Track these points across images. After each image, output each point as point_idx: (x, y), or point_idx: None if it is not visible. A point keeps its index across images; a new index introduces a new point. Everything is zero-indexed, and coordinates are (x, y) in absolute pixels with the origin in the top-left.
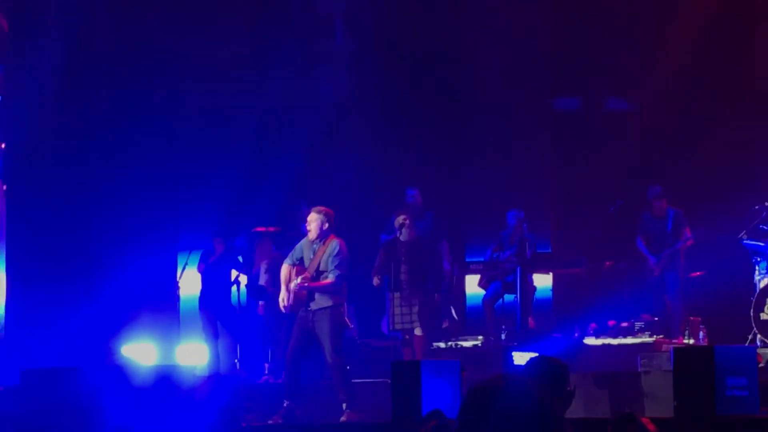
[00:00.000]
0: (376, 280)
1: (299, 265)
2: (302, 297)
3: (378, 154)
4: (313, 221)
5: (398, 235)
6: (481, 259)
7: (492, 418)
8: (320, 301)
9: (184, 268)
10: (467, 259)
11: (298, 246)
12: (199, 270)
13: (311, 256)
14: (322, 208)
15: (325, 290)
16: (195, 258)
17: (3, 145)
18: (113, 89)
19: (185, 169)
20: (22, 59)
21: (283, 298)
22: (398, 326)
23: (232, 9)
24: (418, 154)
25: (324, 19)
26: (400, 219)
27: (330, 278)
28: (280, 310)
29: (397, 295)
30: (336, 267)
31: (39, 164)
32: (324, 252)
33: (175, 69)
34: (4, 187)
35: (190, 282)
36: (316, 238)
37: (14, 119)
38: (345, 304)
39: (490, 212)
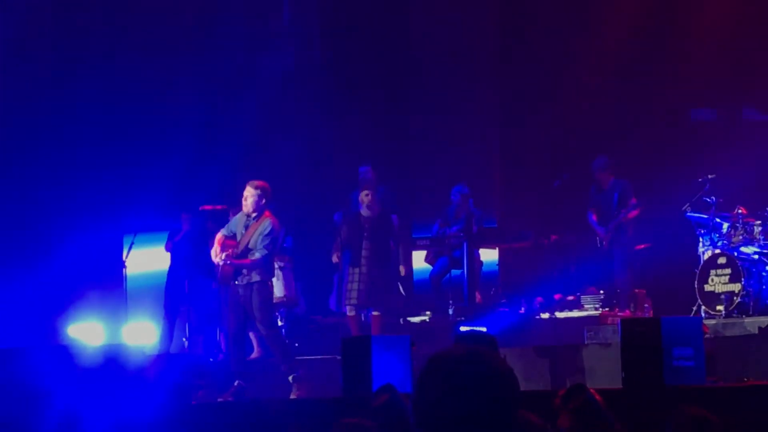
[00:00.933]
0: (335, 257)
1: (232, 238)
2: (229, 272)
3: (326, 131)
4: (250, 196)
5: (361, 210)
6: (428, 235)
7: (453, 388)
8: (247, 276)
9: (130, 248)
10: (414, 235)
11: (233, 219)
12: (167, 248)
13: (243, 231)
14: (259, 182)
15: (251, 267)
16: (141, 238)
17: None
18: (57, 65)
19: (131, 147)
20: None
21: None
22: (353, 301)
23: None
24: (365, 130)
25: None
26: (363, 194)
27: (256, 256)
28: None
29: (356, 270)
30: (264, 246)
31: None
32: (256, 229)
33: (120, 45)
34: None
35: (136, 261)
36: (252, 212)
37: None
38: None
39: (435, 187)
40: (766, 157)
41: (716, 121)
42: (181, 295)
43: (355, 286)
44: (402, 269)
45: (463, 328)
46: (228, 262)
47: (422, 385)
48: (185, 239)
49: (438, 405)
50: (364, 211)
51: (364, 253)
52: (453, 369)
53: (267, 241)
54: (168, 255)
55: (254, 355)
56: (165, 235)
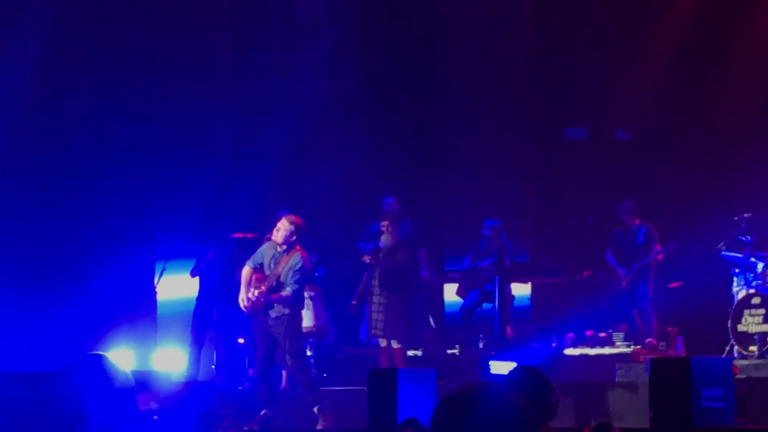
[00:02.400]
0: (353, 307)
1: (259, 270)
2: (260, 306)
3: (356, 162)
4: (283, 229)
5: (379, 241)
6: (460, 268)
7: (465, 427)
8: (278, 310)
9: (161, 274)
10: (446, 268)
11: (260, 249)
12: (192, 275)
13: (272, 264)
14: (294, 217)
15: (283, 302)
16: (172, 264)
17: None
18: (90, 91)
19: (162, 174)
20: None
21: (242, 299)
22: (376, 332)
23: (212, 12)
24: (397, 162)
25: (305, 25)
26: (384, 224)
27: (287, 292)
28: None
29: (367, 300)
30: (296, 282)
31: (15, 168)
32: (286, 263)
33: (153, 72)
34: None
35: (167, 288)
36: (282, 245)
37: None
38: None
39: (468, 220)
40: None
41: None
42: (209, 322)
43: (378, 316)
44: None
45: (494, 363)
46: (262, 298)
47: (436, 423)
48: (213, 266)
49: None
50: (381, 242)
51: (374, 282)
52: (465, 405)
53: (297, 276)
54: (196, 281)
55: (282, 385)
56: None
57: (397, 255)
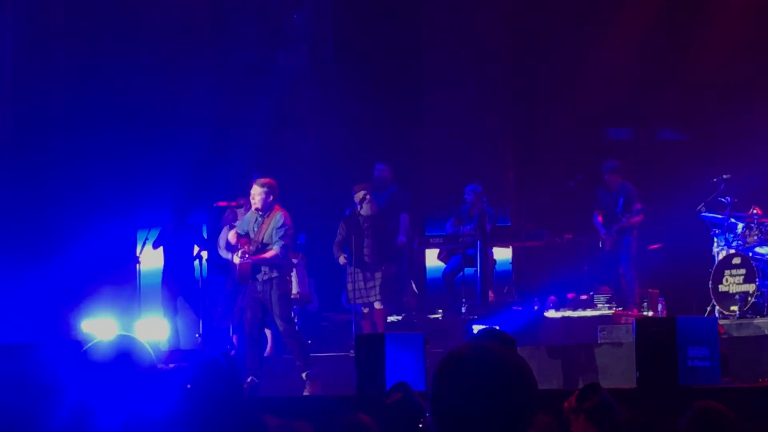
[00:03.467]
0: (342, 259)
1: (245, 237)
2: (247, 270)
3: (339, 129)
4: (257, 194)
5: (358, 209)
6: (441, 233)
7: (469, 387)
8: (267, 273)
9: (144, 243)
10: (427, 233)
11: (245, 217)
12: (155, 246)
13: (256, 229)
14: (265, 180)
15: (269, 262)
16: (155, 233)
17: None
18: (70, 62)
19: (145, 142)
20: None
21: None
22: (358, 300)
23: None
24: (378, 129)
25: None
26: (360, 194)
27: (274, 250)
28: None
29: (357, 269)
30: (280, 238)
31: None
32: (268, 224)
33: (134, 41)
34: None
35: (150, 257)
36: (261, 209)
37: None
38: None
39: (449, 186)
40: None
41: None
42: (178, 290)
43: (360, 285)
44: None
45: (477, 327)
46: (246, 258)
47: (437, 384)
48: (179, 234)
49: (453, 404)
50: (363, 210)
51: (365, 251)
52: (468, 368)
53: (282, 233)
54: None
55: (267, 352)
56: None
57: (382, 222)
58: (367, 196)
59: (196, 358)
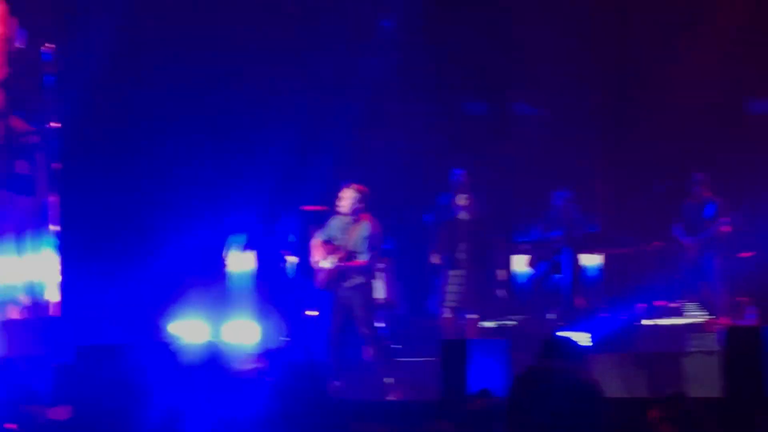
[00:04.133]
0: (436, 258)
1: (330, 243)
2: (335, 276)
3: (427, 133)
4: (347, 198)
5: (459, 214)
6: (529, 239)
7: (543, 399)
8: (353, 279)
9: (232, 246)
10: (515, 239)
11: (330, 222)
12: (244, 250)
13: (343, 235)
14: (356, 185)
15: (359, 270)
16: (241, 237)
17: (57, 124)
18: (163, 67)
19: (234, 146)
20: (74, 38)
21: (317, 266)
22: (452, 304)
23: None
24: (466, 134)
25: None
26: (462, 198)
27: (363, 259)
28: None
29: (454, 272)
30: (368, 248)
31: (91, 143)
32: (356, 232)
33: (225, 46)
34: (58, 166)
35: (239, 260)
36: (349, 215)
37: (68, 98)
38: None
39: (538, 191)
40: None
41: None
42: (272, 294)
43: (455, 288)
44: (502, 273)
45: (563, 334)
46: (338, 265)
47: (513, 397)
48: (273, 239)
49: (528, 415)
50: (462, 215)
51: (461, 255)
52: (542, 384)
53: (369, 243)
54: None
55: (364, 356)
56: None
57: (481, 227)
58: (470, 201)
59: (281, 361)
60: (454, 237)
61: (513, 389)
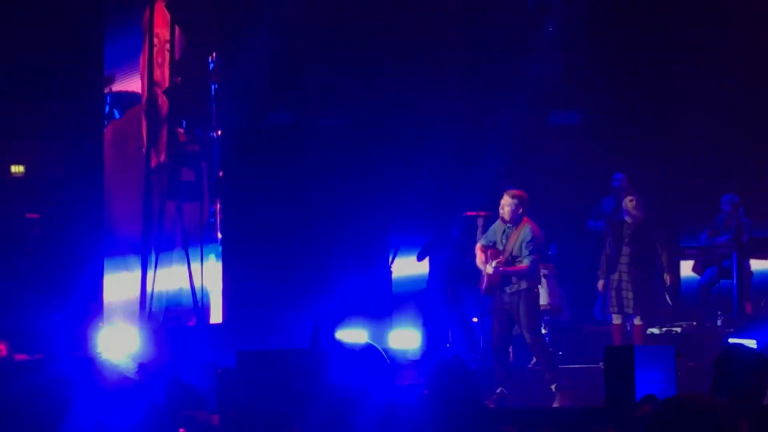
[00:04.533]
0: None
1: (492, 248)
2: (497, 281)
3: (589, 138)
4: (507, 205)
5: (626, 217)
6: (696, 244)
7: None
8: (515, 285)
9: (395, 254)
10: (682, 244)
11: (491, 228)
12: (419, 259)
13: (504, 240)
14: (515, 191)
15: (521, 275)
16: (406, 244)
17: (219, 132)
18: (324, 77)
19: (395, 153)
20: (237, 47)
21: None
22: (614, 309)
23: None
24: (630, 138)
25: (536, 5)
26: (628, 201)
27: (525, 263)
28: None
29: (615, 277)
30: (530, 252)
31: (254, 151)
32: (517, 237)
33: (386, 54)
34: (221, 174)
35: (401, 267)
36: (509, 221)
37: (230, 106)
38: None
39: (704, 196)
40: None
41: None
42: (442, 301)
43: (614, 293)
44: (667, 277)
45: (732, 341)
46: (500, 269)
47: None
48: (442, 246)
49: None
50: (628, 217)
51: (624, 259)
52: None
53: (532, 246)
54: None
55: (532, 362)
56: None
57: (646, 230)
58: (634, 203)
59: (438, 368)
60: (618, 240)
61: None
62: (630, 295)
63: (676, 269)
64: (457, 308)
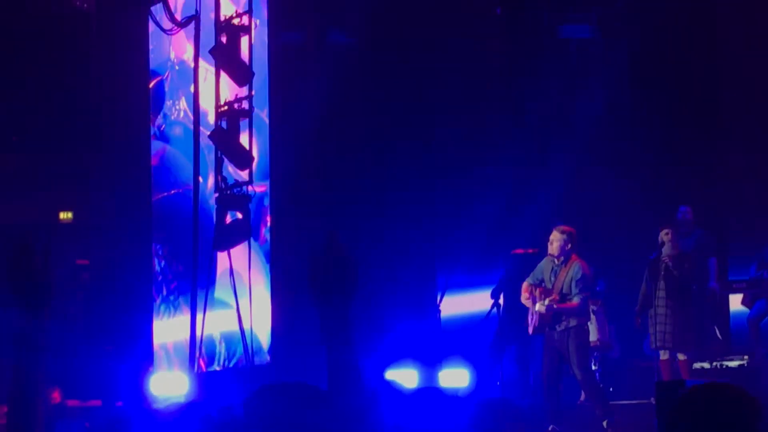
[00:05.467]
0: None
1: (540, 286)
2: (548, 319)
3: (638, 172)
4: (556, 240)
5: (661, 251)
6: (745, 278)
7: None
8: (565, 322)
9: (444, 292)
10: (730, 278)
11: (539, 265)
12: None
13: (553, 278)
14: (564, 227)
15: (571, 312)
16: (455, 281)
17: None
18: (372, 115)
19: (446, 189)
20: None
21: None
22: (659, 345)
23: (484, 42)
24: (682, 173)
25: (578, 44)
26: (662, 234)
27: (575, 301)
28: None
29: (652, 312)
30: (580, 290)
31: (304, 194)
32: (566, 274)
33: (433, 93)
34: (269, 218)
35: (450, 305)
36: (558, 257)
37: (282, 147)
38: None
39: (755, 228)
40: None
41: None
42: (508, 339)
43: (653, 329)
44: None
45: None
46: (554, 306)
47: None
48: (507, 283)
49: None
50: (665, 250)
51: (660, 293)
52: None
53: (581, 285)
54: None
55: (581, 399)
56: (480, 278)
57: (684, 264)
58: (669, 236)
59: (477, 400)
60: (654, 275)
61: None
62: (669, 329)
63: (726, 303)
64: (513, 344)
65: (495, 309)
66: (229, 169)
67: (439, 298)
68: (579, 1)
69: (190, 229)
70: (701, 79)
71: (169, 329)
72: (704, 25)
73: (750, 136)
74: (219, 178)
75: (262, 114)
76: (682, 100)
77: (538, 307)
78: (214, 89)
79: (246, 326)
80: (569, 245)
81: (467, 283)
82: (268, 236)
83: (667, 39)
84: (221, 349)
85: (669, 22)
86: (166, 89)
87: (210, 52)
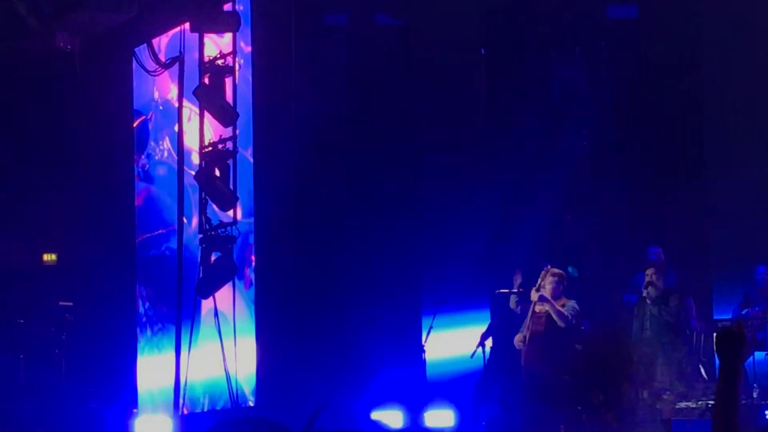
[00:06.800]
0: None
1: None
2: (541, 324)
3: (618, 212)
4: (548, 283)
5: (644, 292)
6: (728, 316)
7: None
8: None
9: (429, 331)
10: (714, 317)
11: (531, 309)
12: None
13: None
14: (556, 270)
15: (559, 314)
16: (441, 319)
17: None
18: (356, 152)
19: (429, 229)
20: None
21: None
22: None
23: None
24: (661, 212)
25: (564, 86)
26: (649, 272)
27: (565, 310)
28: None
29: (644, 350)
30: (571, 312)
31: (288, 233)
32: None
33: (417, 132)
34: (253, 258)
35: (436, 344)
36: (551, 298)
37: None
38: None
39: (737, 267)
40: None
41: None
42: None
43: (642, 368)
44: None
45: None
46: (546, 297)
47: None
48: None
49: None
50: (649, 292)
51: (645, 334)
52: None
53: (573, 312)
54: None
55: None
56: (464, 317)
57: (669, 303)
58: (654, 277)
59: None
60: (640, 314)
61: None
62: (654, 369)
63: (709, 342)
64: (498, 385)
65: (480, 349)
66: (214, 208)
67: (425, 337)
68: (564, 40)
69: (174, 269)
70: (685, 118)
71: (154, 371)
72: (689, 64)
73: (733, 176)
74: (203, 218)
75: (246, 153)
76: (666, 138)
77: (532, 295)
78: (198, 129)
79: (231, 369)
80: (561, 287)
81: (452, 322)
82: (252, 276)
83: (651, 78)
84: (205, 392)
85: (654, 61)
86: (150, 129)
87: (194, 93)
